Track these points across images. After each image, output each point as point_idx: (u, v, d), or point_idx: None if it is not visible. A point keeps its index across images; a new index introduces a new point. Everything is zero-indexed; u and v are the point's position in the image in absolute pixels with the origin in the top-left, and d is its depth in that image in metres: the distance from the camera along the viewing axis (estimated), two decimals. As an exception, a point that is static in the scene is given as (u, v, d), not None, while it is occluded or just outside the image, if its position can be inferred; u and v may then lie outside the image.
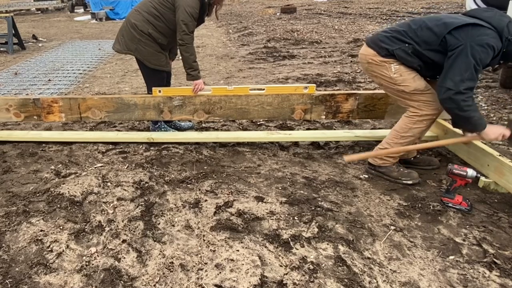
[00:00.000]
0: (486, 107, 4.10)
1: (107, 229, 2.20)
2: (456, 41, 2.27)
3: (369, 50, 2.60)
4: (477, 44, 2.20)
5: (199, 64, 3.24)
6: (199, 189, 2.58)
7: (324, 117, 3.22)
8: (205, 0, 3.08)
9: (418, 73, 2.52)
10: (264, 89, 3.21)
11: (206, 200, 2.45)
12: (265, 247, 2.01)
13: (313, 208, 2.35)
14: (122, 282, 1.82)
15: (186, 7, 2.98)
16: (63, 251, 2.02)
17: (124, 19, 3.49)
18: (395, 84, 2.54)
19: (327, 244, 2.03)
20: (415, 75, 2.51)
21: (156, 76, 3.33)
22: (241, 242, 2.05)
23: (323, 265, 1.88)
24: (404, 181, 2.63)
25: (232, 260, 1.91)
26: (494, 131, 2.36)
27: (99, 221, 2.26)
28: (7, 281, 1.83)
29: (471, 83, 2.26)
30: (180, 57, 3.22)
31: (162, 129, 3.57)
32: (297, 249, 2.00)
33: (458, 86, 2.25)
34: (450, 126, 2.99)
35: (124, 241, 2.09)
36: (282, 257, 1.93)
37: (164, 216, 2.30)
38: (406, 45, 2.45)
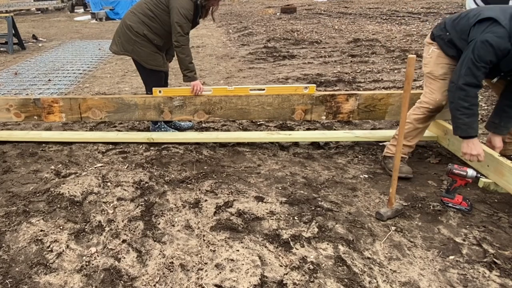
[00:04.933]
0: (486, 107, 4.09)
1: (107, 229, 2.20)
2: (473, 34, 2.24)
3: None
4: (480, 40, 2.17)
5: (197, 65, 3.24)
6: (199, 189, 2.59)
7: (324, 117, 3.21)
8: (198, 2, 3.08)
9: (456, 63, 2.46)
10: (264, 90, 3.21)
11: (206, 200, 2.45)
12: (265, 247, 2.01)
13: (313, 208, 2.35)
14: (122, 282, 1.82)
15: (180, 9, 2.98)
16: (63, 251, 2.02)
17: (121, 20, 3.50)
18: (424, 65, 2.62)
19: (327, 244, 2.03)
20: (442, 63, 2.50)
21: (154, 77, 3.33)
22: (241, 242, 2.05)
23: (323, 265, 1.88)
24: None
25: (232, 260, 1.91)
26: (473, 147, 2.31)
27: (99, 221, 2.26)
28: (7, 281, 1.83)
29: (469, 79, 2.22)
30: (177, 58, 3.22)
31: (162, 129, 3.57)
32: (297, 249, 2.00)
33: (457, 80, 2.27)
34: (450, 127, 2.99)
35: (124, 241, 2.09)
36: (282, 257, 1.93)
37: (164, 216, 2.30)
38: (447, 33, 2.47)
